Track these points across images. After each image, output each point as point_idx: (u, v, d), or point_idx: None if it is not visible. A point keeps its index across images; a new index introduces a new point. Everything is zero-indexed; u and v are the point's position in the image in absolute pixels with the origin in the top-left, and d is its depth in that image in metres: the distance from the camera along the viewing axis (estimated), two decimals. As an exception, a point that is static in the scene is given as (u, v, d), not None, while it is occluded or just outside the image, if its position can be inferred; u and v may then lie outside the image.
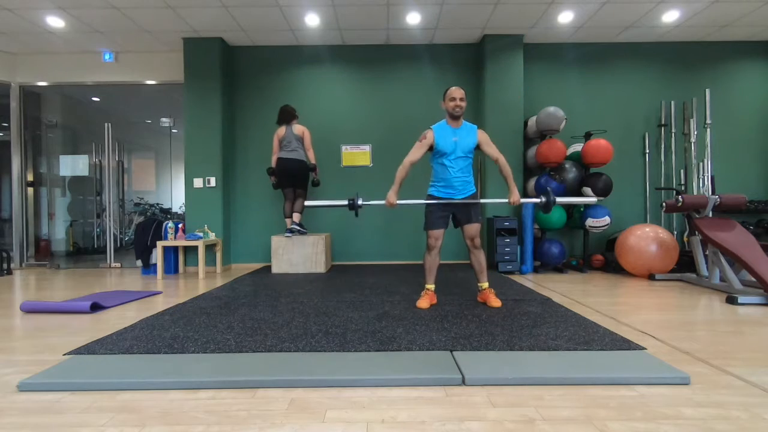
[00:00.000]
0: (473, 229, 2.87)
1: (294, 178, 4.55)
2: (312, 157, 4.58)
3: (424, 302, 2.86)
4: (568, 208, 4.91)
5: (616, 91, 5.24)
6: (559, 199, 2.99)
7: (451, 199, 2.85)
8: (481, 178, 5.13)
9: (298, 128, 4.53)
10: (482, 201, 3.04)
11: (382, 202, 2.88)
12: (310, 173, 4.63)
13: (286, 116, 4.55)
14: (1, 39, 4.92)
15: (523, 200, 2.94)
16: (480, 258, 2.93)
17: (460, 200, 2.84)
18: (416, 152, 2.84)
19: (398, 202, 2.87)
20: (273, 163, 4.59)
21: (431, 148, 2.86)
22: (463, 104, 2.81)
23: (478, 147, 2.87)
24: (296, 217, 4.58)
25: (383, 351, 1.94)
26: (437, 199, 2.87)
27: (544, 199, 2.92)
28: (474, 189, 2.90)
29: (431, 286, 2.93)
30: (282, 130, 4.55)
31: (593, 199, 3.21)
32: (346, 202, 2.93)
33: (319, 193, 5.17)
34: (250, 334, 2.23)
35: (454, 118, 2.83)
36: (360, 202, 2.91)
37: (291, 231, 4.58)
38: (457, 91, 2.82)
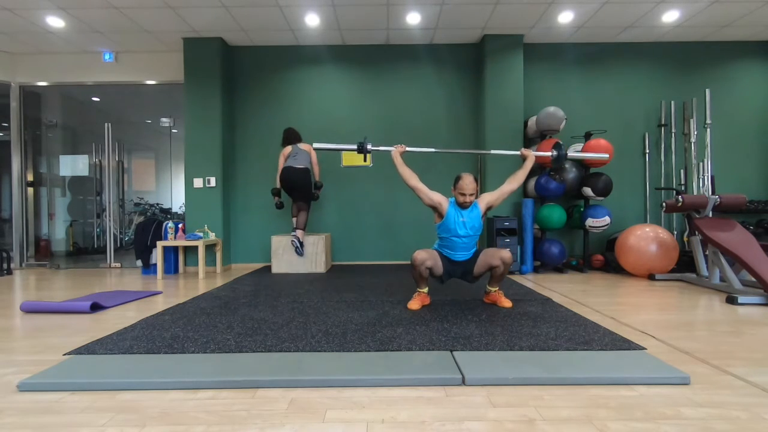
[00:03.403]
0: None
1: (298, 192, 4.49)
2: (318, 174, 4.68)
3: (415, 303, 2.82)
4: (569, 208, 4.91)
5: (616, 91, 5.24)
6: (571, 154, 3.12)
7: (456, 260, 2.86)
8: (481, 178, 5.13)
9: (305, 145, 4.59)
10: (493, 152, 3.20)
11: (392, 148, 2.98)
12: (314, 189, 4.64)
13: (292, 137, 4.61)
14: (1, 39, 4.92)
15: (535, 153, 2.97)
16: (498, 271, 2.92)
17: (464, 261, 2.86)
18: (424, 189, 2.83)
19: (408, 149, 2.98)
20: (277, 182, 4.56)
21: (437, 212, 2.84)
22: (473, 198, 2.75)
23: (488, 209, 2.88)
24: (299, 233, 4.53)
25: (383, 351, 1.94)
26: (443, 255, 2.88)
27: (555, 153, 3.02)
28: (476, 248, 2.91)
29: (424, 290, 2.88)
30: (288, 149, 4.55)
31: (605, 155, 3.21)
32: (355, 147, 3.05)
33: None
34: (250, 334, 2.23)
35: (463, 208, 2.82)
36: (369, 146, 3.02)
37: (295, 233, 4.55)
38: (468, 186, 2.71)
